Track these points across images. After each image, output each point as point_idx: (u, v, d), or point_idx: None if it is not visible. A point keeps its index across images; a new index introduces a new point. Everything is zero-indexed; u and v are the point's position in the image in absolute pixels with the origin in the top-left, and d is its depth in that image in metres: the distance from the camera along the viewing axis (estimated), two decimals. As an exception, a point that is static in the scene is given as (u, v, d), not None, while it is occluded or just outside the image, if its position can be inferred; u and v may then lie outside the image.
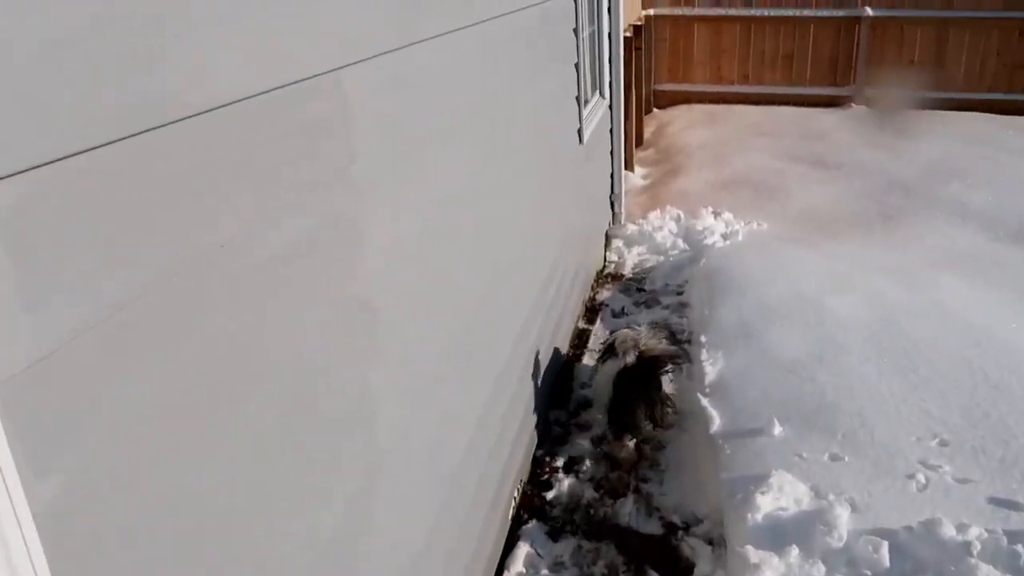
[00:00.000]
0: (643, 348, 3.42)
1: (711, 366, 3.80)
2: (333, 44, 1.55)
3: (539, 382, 3.54)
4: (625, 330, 3.58)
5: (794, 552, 2.56)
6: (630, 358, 3.38)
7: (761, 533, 2.65)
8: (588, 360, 4.31)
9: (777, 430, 3.19)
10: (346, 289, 1.64)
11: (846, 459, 2.99)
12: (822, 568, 2.50)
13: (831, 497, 2.79)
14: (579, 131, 4.67)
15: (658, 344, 3.47)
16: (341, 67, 1.57)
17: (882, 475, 2.90)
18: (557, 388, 4.00)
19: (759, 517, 2.70)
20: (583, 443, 3.61)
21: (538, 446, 3.57)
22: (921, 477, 2.87)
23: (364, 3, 1.69)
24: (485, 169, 2.74)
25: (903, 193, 6.51)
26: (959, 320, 3.98)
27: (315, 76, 1.47)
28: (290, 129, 1.40)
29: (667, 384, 3.54)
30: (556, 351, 4.02)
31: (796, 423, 3.24)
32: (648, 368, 3.40)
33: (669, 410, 3.50)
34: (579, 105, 4.65)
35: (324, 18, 1.51)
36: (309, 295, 1.47)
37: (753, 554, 2.55)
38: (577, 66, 4.61)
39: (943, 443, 3.06)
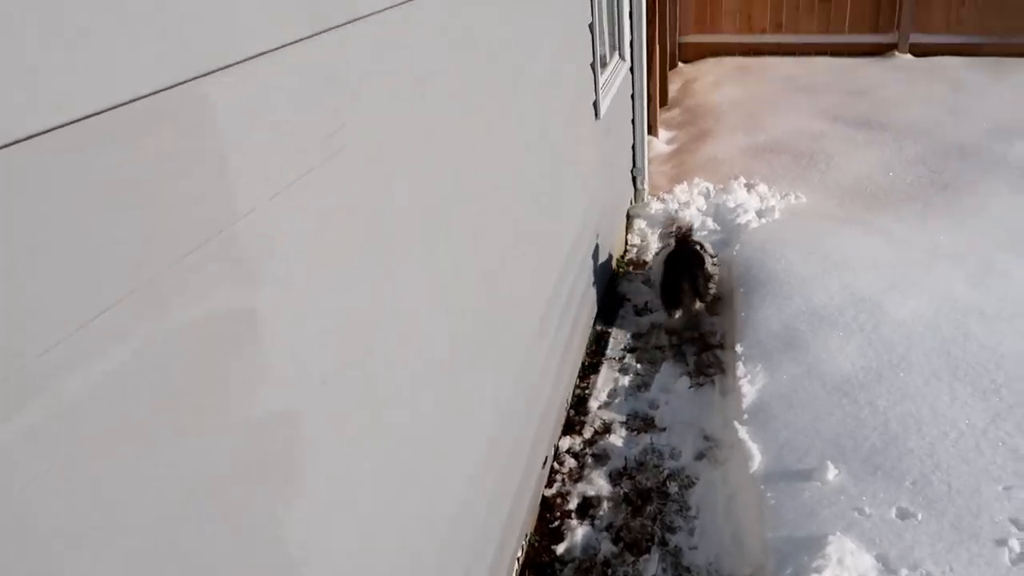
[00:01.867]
0: (683, 231, 4.04)
1: (749, 384, 3.26)
2: (188, 42, 1.00)
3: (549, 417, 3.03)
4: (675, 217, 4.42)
5: (861, 655, 2.05)
6: (672, 242, 4.01)
7: (818, 626, 2.15)
8: (607, 372, 3.78)
9: (831, 473, 2.66)
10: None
11: (919, 517, 2.45)
12: (897, 678, 2.00)
13: (904, 573, 2.26)
14: (595, 104, 4.05)
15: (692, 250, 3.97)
16: (203, 75, 1.02)
17: (965, 540, 2.36)
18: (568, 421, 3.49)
19: (815, 604, 2.19)
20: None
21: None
22: (1015, 544, 2.33)
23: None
24: (464, 177, 2.18)
25: (961, 157, 5.82)
26: (1044, 324, 3.38)
27: (149, 95, 0.93)
28: (106, 181, 0.87)
29: (711, 266, 3.95)
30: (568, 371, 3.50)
31: (854, 464, 2.71)
32: (693, 254, 3.89)
33: (712, 287, 3.95)
34: (595, 73, 4.02)
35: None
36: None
37: (809, 658, 2.05)
38: (592, 27, 3.97)
39: (1038, 493, 2.51)
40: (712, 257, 4.05)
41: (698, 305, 3.95)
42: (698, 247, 4.00)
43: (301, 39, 1.26)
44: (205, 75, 1.03)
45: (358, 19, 1.46)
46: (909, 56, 8.98)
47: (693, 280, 3.84)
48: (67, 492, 0.83)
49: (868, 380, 3.14)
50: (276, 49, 1.20)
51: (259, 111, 1.17)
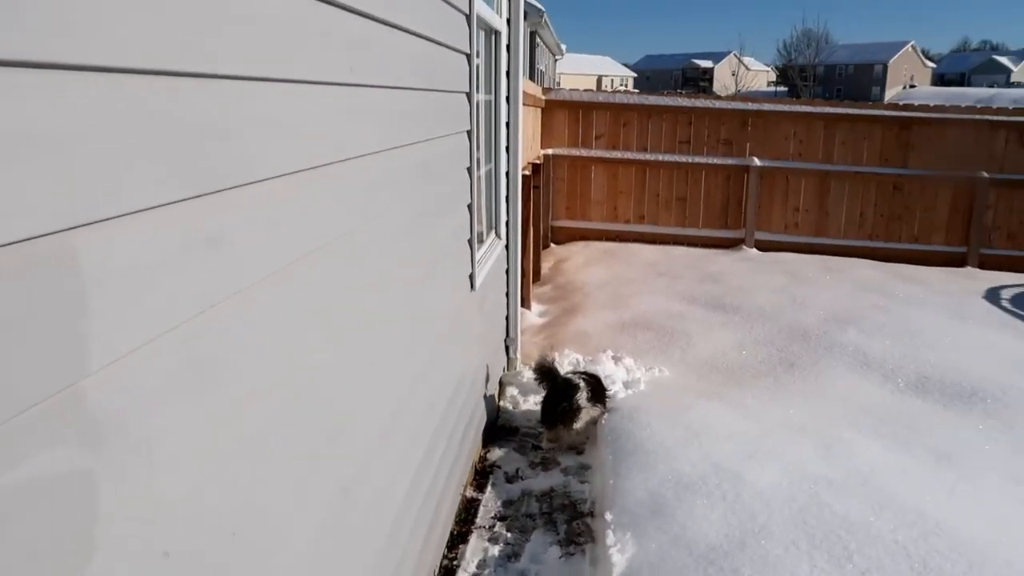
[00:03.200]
0: (552, 365, 5.03)
1: (619, 553, 3.23)
2: (60, 192, 1.00)
3: (413, 581, 2.87)
4: (548, 359, 5.17)
5: None
6: (547, 377, 4.92)
7: None
8: (476, 541, 3.66)
9: (700, 645, 2.62)
10: None
11: None
12: None
13: None
14: (471, 276, 4.22)
15: (571, 370, 5.10)
16: (73, 227, 1.01)
17: None
18: (438, 580, 3.32)
19: None
20: None
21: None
22: None
23: (124, 140, 1.14)
24: (341, 352, 2.18)
25: (803, 339, 6.36)
26: (884, 494, 3.60)
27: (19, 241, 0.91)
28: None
29: (584, 400, 4.58)
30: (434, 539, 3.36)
31: (722, 635, 2.69)
32: (571, 385, 4.63)
33: (580, 417, 4.58)
34: (472, 249, 4.22)
35: (44, 154, 0.97)
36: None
37: None
38: (471, 207, 4.22)
39: (893, 661, 2.57)
40: (593, 389, 4.69)
41: (576, 426, 4.57)
42: (580, 380, 4.68)
43: (177, 201, 1.26)
44: (74, 228, 1.02)
45: (236, 187, 1.48)
46: (755, 250, 9.99)
47: (563, 405, 4.55)
48: None
49: (732, 548, 3.19)
50: (151, 209, 1.19)
51: (128, 267, 1.14)
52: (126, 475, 1.14)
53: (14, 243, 0.91)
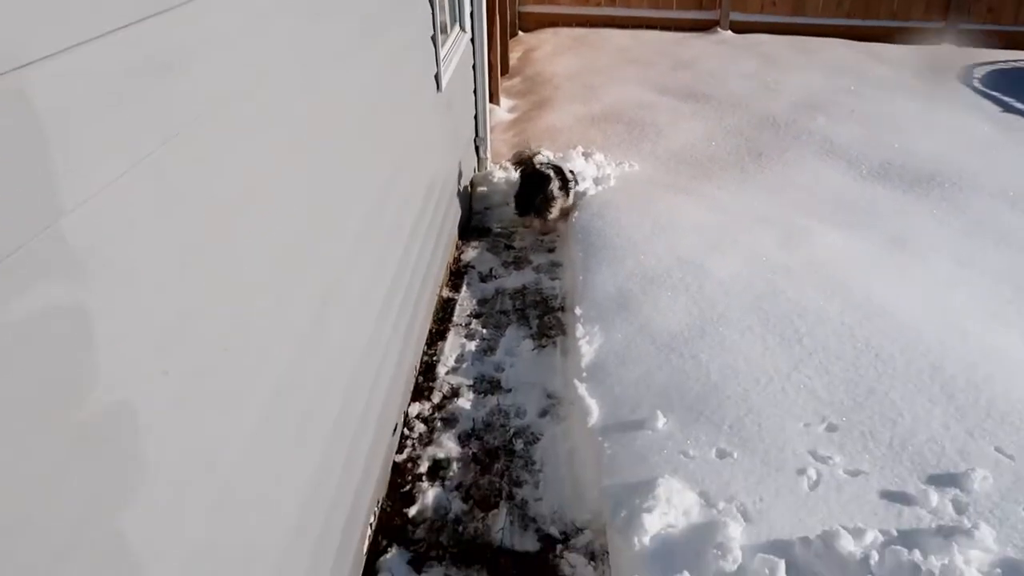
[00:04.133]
0: (528, 158, 5.09)
1: (587, 344, 3.46)
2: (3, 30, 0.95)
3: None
4: (528, 151, 5.27)
5: (685, 580, 2.28)
6: (520, 168, 5.01)
7: (650, 559, 2.36)
8: (454, 338, 3.87)
9: (660, 423, 2.90)
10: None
11: (735, 455, 2.74)
12: (716, 597, 2.24)
13: (721, 505, 2.52)
14: (436, 76, 4.08)
15: (540, 163, 4.98)
16: (26, 64, 0.98)
17: (772, 473, 2.67)
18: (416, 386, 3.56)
19: (647, 540, 2.40)
20: (450, 440, 3.20)
21: (399, 448, 3.14)
22: (812, 472, 2.66)
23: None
24: (311, 162, 2.16)
25: (772, 128, 6.35)
26: (837, 280, 3.81)
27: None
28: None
29: (556, 189, 4.72)
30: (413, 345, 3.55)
31: (680, 412, 2.96)
32: (542, 176, 4.72)
33: (554, 206, 4.74)
34: (436, 46, 4.04)
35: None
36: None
37: (641, 588, 2.26)
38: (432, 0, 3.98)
39: (831, 427, 2.86)
40: (563, 181, 4.81)
41: (550, 215, 4.75)
42: (550, 171, 4.77)
43: (129, 24, 1.20)
44: (24, 66, 0.98)
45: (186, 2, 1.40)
46: (730, 32, 9.63)
47: (537, 196, 4.69)
48: None
49: (692, 336, 3.42)
50: (103, 35, 1.14)
51: (85, 100, 1.11)
52: (116, 304, 1.19)
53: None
